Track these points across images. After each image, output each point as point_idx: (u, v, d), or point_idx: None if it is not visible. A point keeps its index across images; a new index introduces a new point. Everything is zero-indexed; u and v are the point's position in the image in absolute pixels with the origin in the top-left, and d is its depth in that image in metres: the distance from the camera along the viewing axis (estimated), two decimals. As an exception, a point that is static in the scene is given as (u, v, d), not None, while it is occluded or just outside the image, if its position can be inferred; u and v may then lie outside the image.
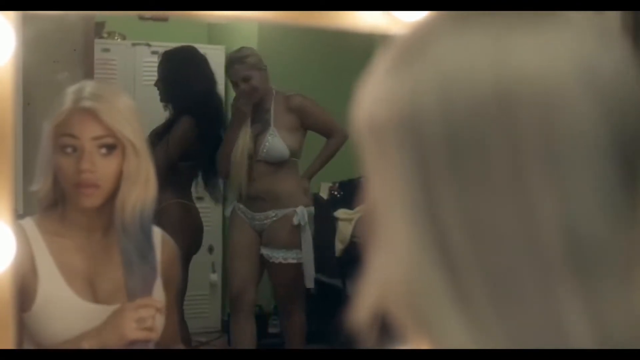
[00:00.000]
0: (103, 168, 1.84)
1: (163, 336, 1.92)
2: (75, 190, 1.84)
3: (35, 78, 3.08)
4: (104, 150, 1.84)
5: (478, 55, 0.55)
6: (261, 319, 5.09)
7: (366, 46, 4.91)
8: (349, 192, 4.99)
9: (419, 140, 0.56)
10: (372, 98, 0.59)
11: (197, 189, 4.39)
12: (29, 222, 1.90)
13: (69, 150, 1.84)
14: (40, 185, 1.88)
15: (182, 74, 4.17)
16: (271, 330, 5.09)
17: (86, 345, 1.79)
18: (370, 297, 0.60)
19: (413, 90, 0.56)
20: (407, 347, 0.59)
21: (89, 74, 3.41)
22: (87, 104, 1.84)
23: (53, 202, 1.90)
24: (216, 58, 5.49)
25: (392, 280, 0.58)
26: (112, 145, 1.85)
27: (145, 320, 1.81)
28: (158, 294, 1.93)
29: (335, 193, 5.02)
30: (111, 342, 1.80)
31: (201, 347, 4.72)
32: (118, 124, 1.84)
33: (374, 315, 0.60)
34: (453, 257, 0.55)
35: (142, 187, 1.87)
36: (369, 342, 0.62)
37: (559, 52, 0.54)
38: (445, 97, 0.55)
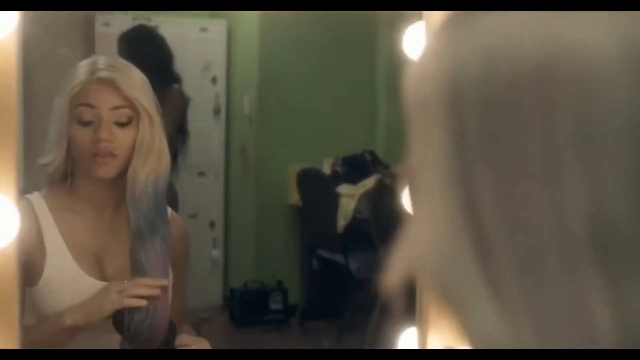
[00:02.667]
0: (120, 138, 1.84)
1: (171, 313, 1.92)
2: (91, 160, 1.84)
3: (35, 53, 3.07)
4: (121, 121, 1.84)
5: (522, 28, 0.54)
6: (262, 295, 5.10)
7: (368, 29, 4.87)
8: (351, 167, 4.99)
9: (458, 113, 0.55)
10: (419, 72, 0.59)
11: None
12: (36, 197, 1.89)
13: (86, 120, 1.84)
14: (52, 157, 1.87)
15: (136, 53, 3.98)
16: (273, 306, 5.10)
17: (67, 319, 1.80)
18: (401, 265, 0.60)
19: (456, 62, 0.56)
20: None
21: (89, 48, 3.40)
22: (104, 74, 1.84)
23: (63, 175, 1.89)
24: (218, 32, 5.48)
25: (423, 252, 0.58)
26: (129, 117, 1.85)
27: (125, 290, 1.81)
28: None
29: (338, 169, 5.02)
30: (94, 317, 1.80)
31: (203, 323, 4.72)
32: (136, 93, 1.85)
33: (404, 282, 0.60)
34: (484, 234, 0.54)
35: (155, 159, 1.87)
36: (397, 307, 0.62)
37: (603, 29, 0.53)
38: (486, 69, 0.54)
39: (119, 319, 1.82)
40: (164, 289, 1.87)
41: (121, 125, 1.84)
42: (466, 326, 0.56)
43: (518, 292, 0.54)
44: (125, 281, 1.82)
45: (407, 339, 1.70)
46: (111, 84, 1.84)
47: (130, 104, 1.85)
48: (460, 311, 0.56)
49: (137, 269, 1.85)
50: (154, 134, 1.86)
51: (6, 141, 1.32)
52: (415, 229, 0.59)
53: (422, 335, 1.61)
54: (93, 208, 1.90)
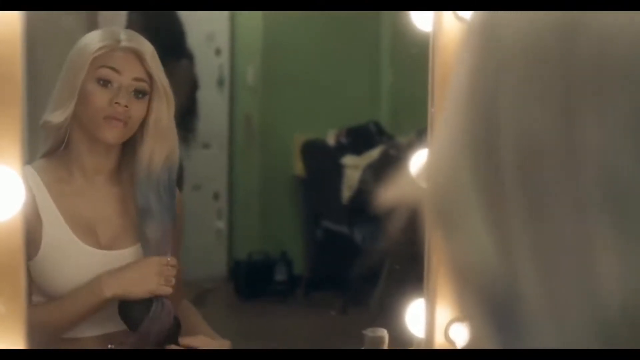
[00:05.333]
0: (134, 109, 1.88)
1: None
2: (102, 121, 1.86)
3: (39, 23, 3.05)
4: (138, 95, 1.88)
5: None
6: (267, 266, 5.10)
7: (371, 26, 4.80)
8: (356, 138, 4.97)
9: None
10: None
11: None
12: (28, 170, 1.89)
13: (106, 82, 1.87)
14: (59, 114, 1.88)
15: (149, 26, 3.88)
16: (277, 277, 5.10)
17: (107, 291, 1.82)
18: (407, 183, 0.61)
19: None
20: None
21: (92, 18, 3.37)
22: (131, 44, 1.89)
23: (62, 139, 1.90)
24: (218, 17, 5.43)
25: (429, 168, 0.59)
26: (145, 91, 1.89)
27: (169, 279, 1.87)
28: None
29: (342, 140, 5.00)
30: (135, 291, 1.83)
31: (208, 294, 4.74)
32: (157, 69, 1.89)
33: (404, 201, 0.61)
34: (496, 155, 0.54)
35: (171, 140, 1.92)
36: (396, 225, 0.63)
37: None
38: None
39: (128, 308, 1.85)
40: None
41: (137, 97, 1.87)
42: (455, 250, 0.56)
43: (522, 226, 0.53)
44: (168, 258, 1.86)
45: (415, 310, 1.70)
46: (137, 55, 1.89)
47: (149, 80, 1.88)
48: (452, 233, 0.56)
49: (145, 246, 1.88)
50: (170, 114, 1.91)
51: (11, 113, 1.31)
52: (430, 147, 0.60)
53: (430, 307, 1.61)
54: (86, 177, 1.92)
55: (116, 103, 1.83)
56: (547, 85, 0.53)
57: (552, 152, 0.52)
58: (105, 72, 1.85)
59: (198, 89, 4.22)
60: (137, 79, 1.87)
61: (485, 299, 0.54)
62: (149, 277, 1.83)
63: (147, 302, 1.84)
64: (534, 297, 0.52)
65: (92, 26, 3.63)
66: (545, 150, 0.52)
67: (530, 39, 0.54)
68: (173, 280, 1.87)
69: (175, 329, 1.88)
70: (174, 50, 3.96)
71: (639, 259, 0.51)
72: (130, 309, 1.85)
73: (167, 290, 1.86)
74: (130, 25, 3.91)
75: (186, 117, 4.09)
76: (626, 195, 0.51)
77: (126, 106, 1.84)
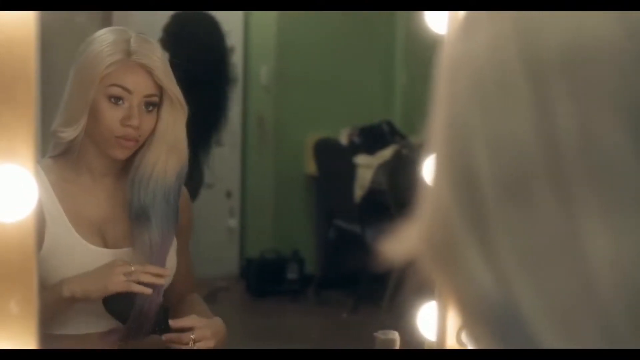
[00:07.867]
0: (145, 124, 1.86)
1: (177, 280, 1.95)
2: (114, 140, 1.85)
3: (53, 21, 3.06)
4: (149, 107, 1.87)
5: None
6: (279, 265, 5.10)
7: (385, 26, 4.78)
8: (369, 138, 4.98)
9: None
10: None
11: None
12: (36, 167, 1.89)
13: (118, 101, 1.85)
14: (73, 128, 1.87)
15: (188, 43, 3.74)
16: (289, 276, 5.11)
17: (65, 291, 1.79)
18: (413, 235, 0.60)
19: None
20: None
21: (107, 17, 3.38)
22: (142, 59, 1.86)
23: (73, 148, 1.90)
24: (232, 16, 5.43)
25: (424, 213, 0.58)
26: (155, 104, 1.87)
27: (133, 274, 1.81)
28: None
29: (355, 139, 5.00)
30: (92, 289, 1.80)
31: (219, 292, 4.75)
32: (168, 80, 1.87)
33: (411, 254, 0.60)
34: (475, 174, 0.53)
35: (183, 143, 1.91)
36: (413, 280, 0.63)
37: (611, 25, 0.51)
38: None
39: (112, 302, 1.83)
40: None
41: (147, 110, 1.86)
42: (459, 287, 0.55)
43: (509, 241, 0.52)
44: (132, 265, 1.83)
45: (427, 313, 1.69)
46: (148, 71, 1.86)
47: (160, 92, 1.87)
48: (453, 271, 0.55)
49: (140, 250, 1.87)
50: (182, 122, 1.90)
51: (25, 113, 1.31)
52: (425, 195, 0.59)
53: (442, 309, 1.61)
54: (94, 179, 1.92)
55: (128, 125, 1.82)
56: (513, 83, 0.52)
57: (530, 151, 0.52)
58: (117, 91, 1.83)
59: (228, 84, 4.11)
60: (147, 95, 1.86)
61: (492, 327, 0.54)
62: (113, 280, 1.78)
63: (130, 295, 1.83)
64: (534, 308, 0.52)
65: (106, 22, 3.64)
66: (522, 151, 0.52)
67: (492, 45, 0.54)
68: (136, 276, 1.80)
69: (164, 315, 1.88)
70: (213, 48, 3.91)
71: (628, 240, 0.50)
72: (114, 304, 1.84)
73: (141, 288, 1.80)
74: (167, 28, 3.79)
75: (212, 115, 3.99)
76: (610, 175, 0.50)
77: (139, 127, 1.83)
